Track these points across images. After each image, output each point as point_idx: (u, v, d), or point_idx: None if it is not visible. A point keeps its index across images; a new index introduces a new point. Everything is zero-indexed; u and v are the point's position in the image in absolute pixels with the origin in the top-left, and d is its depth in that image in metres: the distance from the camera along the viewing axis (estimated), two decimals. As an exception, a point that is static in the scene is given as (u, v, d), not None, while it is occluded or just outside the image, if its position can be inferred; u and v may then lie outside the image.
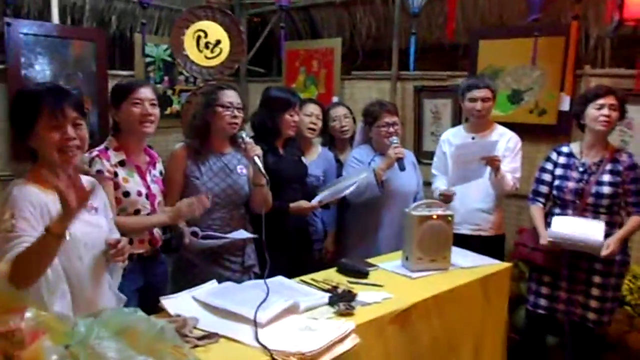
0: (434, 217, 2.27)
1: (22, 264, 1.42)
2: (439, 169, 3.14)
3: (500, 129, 3.04)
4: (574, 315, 2.69)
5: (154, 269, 2.31)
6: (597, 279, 2.64)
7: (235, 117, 2.40)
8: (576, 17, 2.81)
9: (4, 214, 1.49)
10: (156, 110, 2.24)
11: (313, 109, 3.10)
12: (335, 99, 4.41)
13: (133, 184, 2.20)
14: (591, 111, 2.62)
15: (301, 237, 2.83)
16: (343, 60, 4.64)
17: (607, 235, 2.55)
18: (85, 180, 1.72)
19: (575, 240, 2.51)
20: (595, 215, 2.58)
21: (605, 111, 2.58)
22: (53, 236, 1.41)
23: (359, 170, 2.81)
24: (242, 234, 2.38)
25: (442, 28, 4.17)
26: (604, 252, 2.51)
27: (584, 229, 2.51)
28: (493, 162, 2.80)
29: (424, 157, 4.01)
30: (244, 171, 2.47)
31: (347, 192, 2.68)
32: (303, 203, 2.63)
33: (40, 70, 3.52)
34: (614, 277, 2.65)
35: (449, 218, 2.31)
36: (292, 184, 2.73)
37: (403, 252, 2.34)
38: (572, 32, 3.44)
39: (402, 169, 2.81)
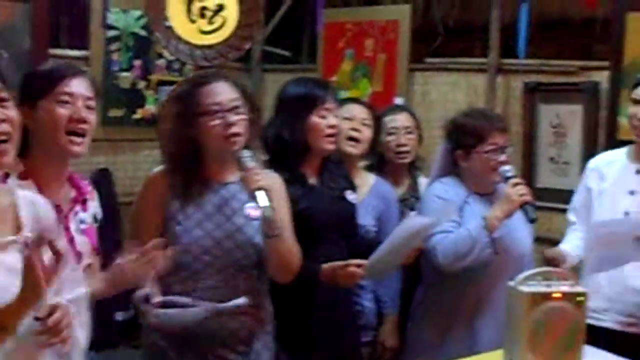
0: (556, 296, 2.29)
1: None
2: (578, 213, 3.21)
3: None
4: None
5: None
6: None
7: (230, 124, 2.39)
8: None
9: None
10: (93, 116, 2.21)
11: (357, 111, 3.17)
12: (397, 101, 4.44)
13: None
14: None
15: (342, 323, 2.81)
16: (414, 40, 4.69)
17: None
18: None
19: None
20: None
21: None
22: None
23: (440, 210, 2.85)
24: (235, 302, 2.37)
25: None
26: None
27: None
28: None
29: (540, 196, 3.98)
30: (257, 213, 2.44)
31: (407, 248, 2.69)
32: (341, 263, 2.61)
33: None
34: None
35: (580, 298, 2.31)
36: (330, 234, 2.76)
37: (505, 353, 2.32)
38: None
39: (533, 219, 2.87)
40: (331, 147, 2.75)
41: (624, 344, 2.84)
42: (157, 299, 2.24)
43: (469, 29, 4.76)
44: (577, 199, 3.24)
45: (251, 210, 2.44)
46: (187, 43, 3.67)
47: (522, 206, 2.83)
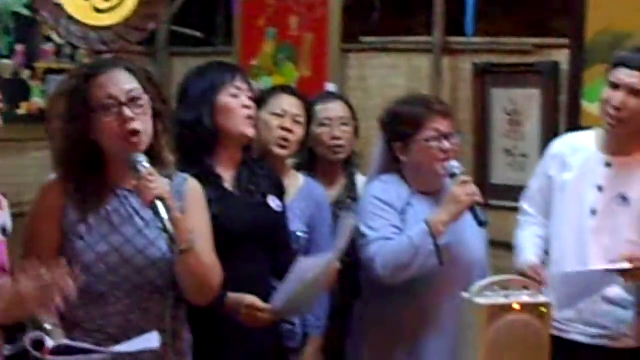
0: (516, 307, 2.35)
1: None
2: (535, 202, 3.28)
3: None
4: None
5: None
6: None
7: (126, 119, 2.36)
8: None
9: None
10: None
11: (288, 104, 3.17)
12: (329, 88, 4.48)
13: None
14: None
15: (264, 348, 2.84)
16: (346, 16, 4.76)
17: None
18: None
19: None
20: None
21: None
22: None
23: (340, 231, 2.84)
24: (145, 341, 2.31)
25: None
26: None
27: None
28: (634, 276, 2.91)
29: (493, 195, 4.10)
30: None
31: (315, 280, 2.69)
32: (247, 301, 2.67)
33: None
34: None
35: (543, 309, 2.39)
36: (245, 247, 2.78)
37: None
38: None
39: (483, 222, 2.90)
40: (250, 131, 2.79)
41: (590, 357, 2.97)
42: (49, 343, 2.18)
43: (410, 3, 4.82)
44: (533, 186, 3.31)
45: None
46: (80, 24, 3.66)
47: (471, 208, 2.88)
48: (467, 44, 4.42)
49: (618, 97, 2.99)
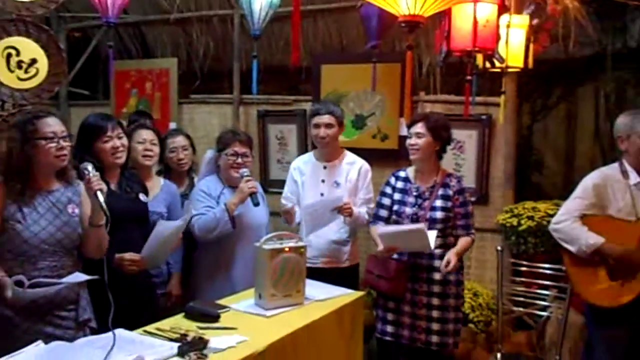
0: (286, 249, 2.33)
1: None
2: (290, 199, 3.28)
3: (350, 157, 3.30)
4: (417, 340, 2.88)
5: None
6: (436, 301, 2.85)
7: (62, 148, 2.31)
8: (410, 46, 3.20)
9: None
10: None
11: (145, 135, 3.09)
12: (172, 125, 4.46)
13: None
14: (407, 140, 2.95)
15: (140, 281, 2.75)
16: (180, 82, 4.72)
17: (442, 257, 2.83)
18: None
19: (403, 231, 2.76)
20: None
21: (412, 140, 2.90)
22: None
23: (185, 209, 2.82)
24: (78, 277, 2.26)
25: (284, 50, 4.42)
26: (446, 267, 2.74)
27: (409, 227, 2.80)
28: (344, 211, 3.05)
29: (271, 185, 4.20)
30: (76, 211, 2.39)
31: (166, 237, 2.63)
32: (127, 256, 2.60)
33: None
34: (452, 298, 2.87)
35: (302, 250, 2.38)
36: (126, 225, 2.65)
37: (255, 290, 2.35)
38: (407, 59, 3.88)
39: (256, 204, 2.91)
40: (119, 161, 2.66)
41: (331, 275, 2.98)
42: (27, 282, 2.14)
43: (219, 74, 4.82)
44: (287, 190, 3.32)
45: (72, 208, 2.37)
46: (9, 87, 3.32)
47: (251, 195, 2.91)
48: (253, 99, 4.42)
49: (321, 130, 3.15)
